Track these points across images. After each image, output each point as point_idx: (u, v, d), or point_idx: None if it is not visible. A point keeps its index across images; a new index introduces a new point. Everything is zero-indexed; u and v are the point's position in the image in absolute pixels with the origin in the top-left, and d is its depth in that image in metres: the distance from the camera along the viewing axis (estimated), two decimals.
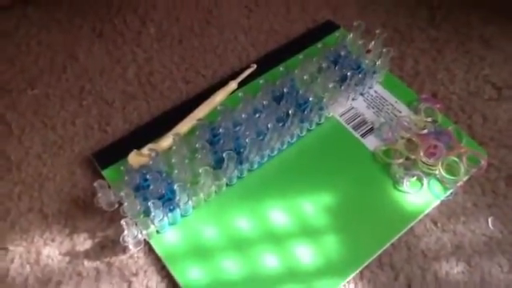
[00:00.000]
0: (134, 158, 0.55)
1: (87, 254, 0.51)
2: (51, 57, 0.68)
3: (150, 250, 0.52)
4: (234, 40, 0.70)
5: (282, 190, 0.55)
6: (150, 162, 0.52)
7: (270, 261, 0.51)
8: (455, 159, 0.56)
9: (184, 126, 0.58)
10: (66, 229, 0.53)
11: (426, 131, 0.59)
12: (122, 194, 0.49)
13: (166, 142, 0.57)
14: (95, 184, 0.50)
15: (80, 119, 0.62)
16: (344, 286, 0.50)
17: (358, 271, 0.51)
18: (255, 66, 0.65)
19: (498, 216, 0.55)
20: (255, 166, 0.56)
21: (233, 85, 0.62)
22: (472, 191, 0.57)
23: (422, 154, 0.56)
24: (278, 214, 0.54)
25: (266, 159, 0.57)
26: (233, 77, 0.63)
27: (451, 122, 0.61)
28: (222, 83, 0.63)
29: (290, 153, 0.58)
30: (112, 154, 0.57)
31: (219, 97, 0.61)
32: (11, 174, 0.57)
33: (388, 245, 0.52)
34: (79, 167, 0.57)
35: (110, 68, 0.67)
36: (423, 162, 0.56)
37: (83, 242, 0.52)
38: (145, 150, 0.56)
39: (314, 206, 0.54)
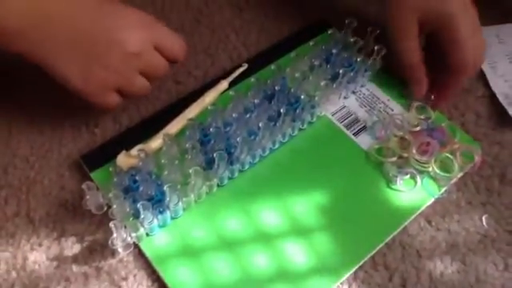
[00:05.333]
0: (123, 160, 0.54)
1: (75, 259, 0.50)
2: None
3: (139, 253, 0.51)
4: (226, 39, 0.69)
5: (274, 190, 0.55)
6: (140, 163, 0.51)
7: (261, 262, 0.50)
8: (448, 156, 0.56)
9: (174, 127, 0.57)
10: (53, 233, 0.52)
11: (418, 128, 0.58)
12: (111, 195, 0.48)
13: (156, 142, 0.56)
14: (83, 186, 0.49)
15: (67, 121, 0.60)
16: (338, 286, 0.49)
17: (351, 272, 0.50)
18: (246, 65, 0.64)
19: (493, 214, 0.55)
20: (246, 166, 0.56)
21: (224, 84, 0.61)
22: (466, 189, 0.56)
23: (414, 151, 0.56)
24: (270, 215, 0.53)
25: (257, 159, 0.56)
26: (224, 77, 0.62)
27: (445, 117, 0.61)
28: (213, 83, 0.62)
29: (282, 152, 0.58)
30: (101, 156, 0.56)
31: (210, 97, 0.60)
32: None
33: (382, 244, 0.52)
34: (68, 170, 0.56)
35: None
36: (416, 160, 0.55)
37: (71, 246, 0.51)
38: (134, 151, 0.55)
39: (306, 205, 0.54)
